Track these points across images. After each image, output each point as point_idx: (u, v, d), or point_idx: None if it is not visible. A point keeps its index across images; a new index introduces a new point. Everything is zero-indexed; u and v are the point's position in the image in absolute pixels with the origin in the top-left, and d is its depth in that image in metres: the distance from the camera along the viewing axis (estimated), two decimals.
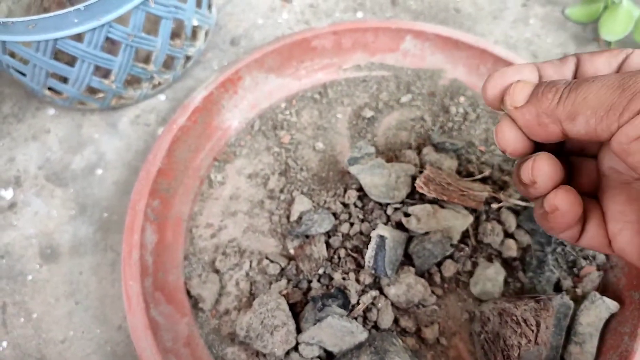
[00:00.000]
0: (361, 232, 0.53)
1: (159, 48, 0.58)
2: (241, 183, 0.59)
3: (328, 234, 0.53)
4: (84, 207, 0.59)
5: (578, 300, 0.49)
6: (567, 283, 0.51)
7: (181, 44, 0.62)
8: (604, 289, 0.51)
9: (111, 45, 0.61)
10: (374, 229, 0.50)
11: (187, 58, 0.65)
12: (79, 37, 0.52)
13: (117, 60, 0.56)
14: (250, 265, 0.54)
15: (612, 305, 0.47)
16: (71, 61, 0.55)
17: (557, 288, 0.51)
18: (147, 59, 0.61)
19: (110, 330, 0.53)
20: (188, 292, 0.52)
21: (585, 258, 0.52)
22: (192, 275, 0.53)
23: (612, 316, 0.48)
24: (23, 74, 0.58)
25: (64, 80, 0.58)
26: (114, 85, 0.59)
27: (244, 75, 0.62)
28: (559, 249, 0.53)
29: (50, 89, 0.60)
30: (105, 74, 0.59)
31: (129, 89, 0.62)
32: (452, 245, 0.51)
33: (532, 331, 0.44)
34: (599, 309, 0.47)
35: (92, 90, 0.60)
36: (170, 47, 0.60)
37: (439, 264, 0.52)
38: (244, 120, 0.62)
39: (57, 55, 0.54)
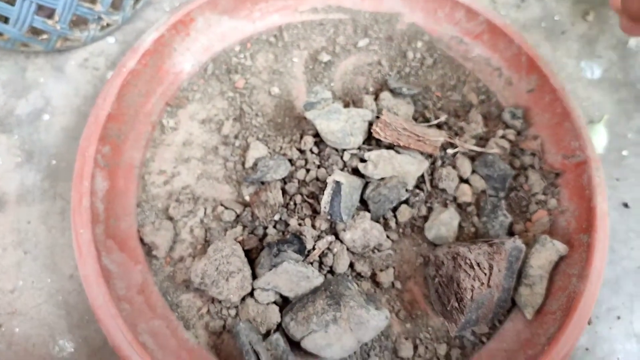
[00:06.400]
0: (317, 178, 0.53)
1: None
2: (194, 129, 0.58)
3: (284, 180, 0.53)
4: (30, 154, 0.57)
5: (529, 243, 0.50)
6: (519, 227, 0.52)
7: None
8: (554, 232, 0.52)
9: None
10: (330, 175, 0.50)
11: None
12: None
13: None
14: (205, 212, 0.53)
15: (561, 248, 0.49)
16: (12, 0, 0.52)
17: (510, 232, 0.52)
18: None
19: (61, 280, 0.51)
20: (141, 240, 0.51)
21: (538, 203, 0.53)
22: (145, 223, 0.52)
23: (561, 259, 0.49)
24: None
25: (5, 20, 0.55)
26: (59, 25, 0.56)
27: (197, 17, 0.59)
28: (512, 194, 0.54)
29: None
30: (49, 13, 0.55)
31: (75, 30, 0.59)
32: (407, 190, 0.51)
33: (485, 274, 0.45)
34: (549, 252, 0.48)
35: (35, 31, 0.57)
36: None
37: (394, 209, 0.52)
38: (196, 63, 0.60)
39: None
